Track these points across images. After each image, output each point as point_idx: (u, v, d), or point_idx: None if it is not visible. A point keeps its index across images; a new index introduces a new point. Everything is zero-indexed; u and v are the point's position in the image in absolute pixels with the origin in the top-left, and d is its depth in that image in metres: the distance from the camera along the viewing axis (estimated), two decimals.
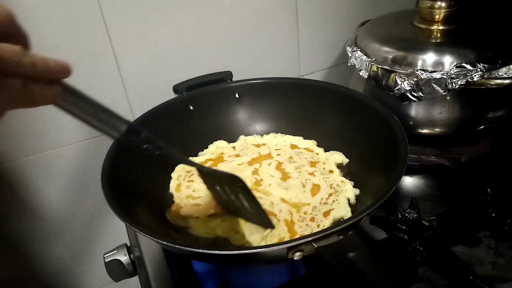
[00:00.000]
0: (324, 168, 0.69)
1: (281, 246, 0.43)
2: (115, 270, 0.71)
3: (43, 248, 0.89)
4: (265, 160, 0.72)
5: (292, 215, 0.60)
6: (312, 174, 0.68)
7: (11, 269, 0.88)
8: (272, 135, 0.78)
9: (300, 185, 0.65)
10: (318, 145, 0.74)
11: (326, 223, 0.59)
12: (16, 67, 0.31)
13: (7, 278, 0.88)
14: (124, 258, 0.71)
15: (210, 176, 0.58)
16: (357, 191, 0.64)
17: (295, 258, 0.45)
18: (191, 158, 0.73)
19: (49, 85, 0.35)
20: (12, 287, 0.90)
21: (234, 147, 0.76)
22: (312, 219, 0.59)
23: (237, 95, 0.78)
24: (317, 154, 0.73)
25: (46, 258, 0.90)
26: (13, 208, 0.82)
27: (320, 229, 0.58)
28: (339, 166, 0.70)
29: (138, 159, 0.64)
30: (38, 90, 0.34)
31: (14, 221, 0.83)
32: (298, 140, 0.76)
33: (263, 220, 0.56)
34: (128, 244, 0.73)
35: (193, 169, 0.70)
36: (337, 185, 0.65)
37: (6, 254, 0.85)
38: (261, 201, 0.57)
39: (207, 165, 0.72)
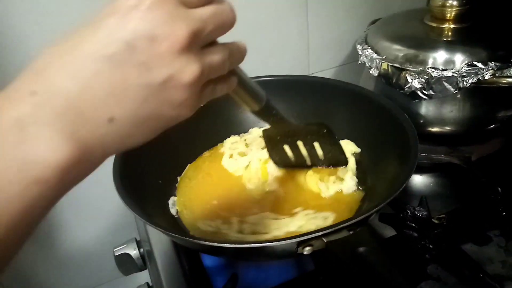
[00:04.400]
0: None
1: (291, 241, 0.44)
2: (125, 264, 0.72)
3: (52, 242, 0.90)
4: None
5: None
6: None
7: (19, 262, 0.89)
8: None
9: None
10: None
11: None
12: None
13: (14, 270, 0.89)
14: (133, 252, 0.72)
15: (288, 139, 0.62)
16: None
17: (305, 253, 0.45)
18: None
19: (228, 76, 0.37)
20: (19, 280, 0.91)
21: (245, 140, 0.77)
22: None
23: None
24: None
25: (55, 252, 0.91)
26: None
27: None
28: None
29: (148, 153, 0.65)
30: (219, 85, 0.36)
31: None
32: None
33: (339, 158, 0.62)
34: (138, 238, 0.74)
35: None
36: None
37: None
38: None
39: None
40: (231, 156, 0.72)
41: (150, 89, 0.28)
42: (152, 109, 0.29)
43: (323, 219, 0.58)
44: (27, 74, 0.27)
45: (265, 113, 0.50)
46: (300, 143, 0.62)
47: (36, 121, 0.25)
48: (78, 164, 0.27)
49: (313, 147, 0.62)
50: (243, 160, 0.71)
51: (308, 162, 0.64)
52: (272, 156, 0.66)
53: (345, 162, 0.62)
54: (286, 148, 0.63)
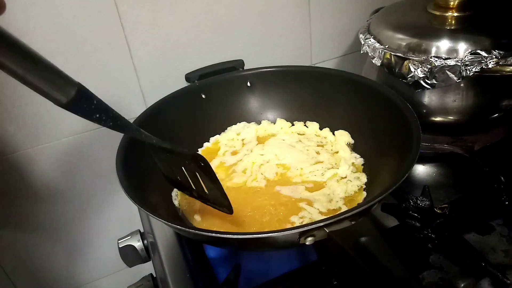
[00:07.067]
0: (331, 150, 0.71)
1: (293, 231, 0.44)
2: (129, 256, 0.73)
3: (58, 235, 0.91)
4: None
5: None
6: (318, 153, 0.71)
7: (26, 255, 0.90)
8: (279, 122, 0.78)
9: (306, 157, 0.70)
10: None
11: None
12: None
13: (21, 262, 0.90)
14: (137, 243, 0.72)
15: (166, 154, 0.53)
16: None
17: (307, 243, 0.45)
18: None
19: None
20: (26, 272, 0.92)
21: (243, 140, 0.77)
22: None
23: (248, 84, 0.78)
24: (325, 137, 0.74)
25: (60, 245, 0.92)
26: (25, 196, 0.83)
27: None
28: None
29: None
30: None
31: (28, 209, 0.85)
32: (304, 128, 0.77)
33: (222, 203, 0.53)
34: (142, 230, 0.74)
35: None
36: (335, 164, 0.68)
37: (21, 239, 0.88)
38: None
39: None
40: (224, 154, 0.73)
41: None
42: None
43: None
44: None
45: (79, 109, 0.38)
46: (184, 169, 0.53)
47: None
48: None
49: (196, 176, 0.52)
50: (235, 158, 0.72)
51: (195, 192, 0.56)
52: (159, 166, 0.57)
53: (229, 208, 0.53)
54: (172, 165, 0.55)
